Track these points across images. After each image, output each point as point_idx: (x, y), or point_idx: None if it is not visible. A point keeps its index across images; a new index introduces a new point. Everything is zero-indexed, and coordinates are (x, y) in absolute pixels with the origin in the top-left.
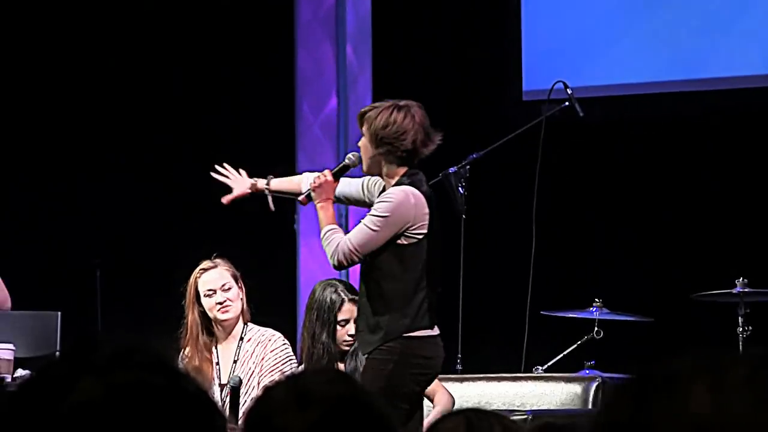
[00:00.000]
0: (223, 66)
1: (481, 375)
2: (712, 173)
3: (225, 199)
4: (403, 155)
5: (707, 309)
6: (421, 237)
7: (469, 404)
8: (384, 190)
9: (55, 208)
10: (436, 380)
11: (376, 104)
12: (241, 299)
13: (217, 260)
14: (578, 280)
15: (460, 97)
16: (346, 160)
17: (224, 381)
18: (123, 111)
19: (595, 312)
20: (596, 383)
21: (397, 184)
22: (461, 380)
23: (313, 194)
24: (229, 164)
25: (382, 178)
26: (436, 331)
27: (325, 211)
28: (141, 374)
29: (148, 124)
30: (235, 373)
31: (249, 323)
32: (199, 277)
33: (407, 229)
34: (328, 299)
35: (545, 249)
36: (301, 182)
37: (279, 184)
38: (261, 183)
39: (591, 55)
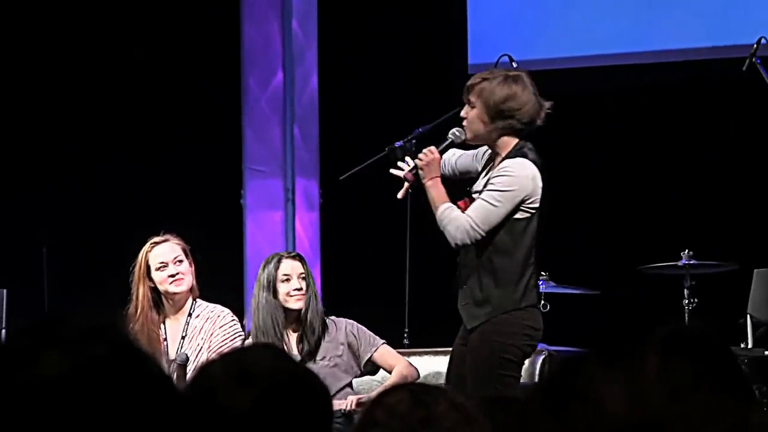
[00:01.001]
0: (169, 42)
1: (429, 349)
2: (657, 146)
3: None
4: (521, 127)
5: (653, 281)
6: (534, 211)
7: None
8: (491, 160)
9: (1, 187)
10: (396, 353)
11: (485, 75)
12: (191, 273)
13: (167, 235)
14: None
15: (405, 72)
16: (452, 137)
17: (172, 357)
18: (70, 92)
19: (542, 285)
20: (543, 356)
21: (510, 155)
22: (408, 355)
23: (420, 172)
24: (178, 141)
25: (492, 148)
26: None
27: (435, 188)
28: (107, 352)
29: (95, 103)
30: (183, 350)
31: (198, 299)
32: (150, 251)
33: (523, 202)
34: (270, 263)
35: None
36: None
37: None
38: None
39: (536, 29)
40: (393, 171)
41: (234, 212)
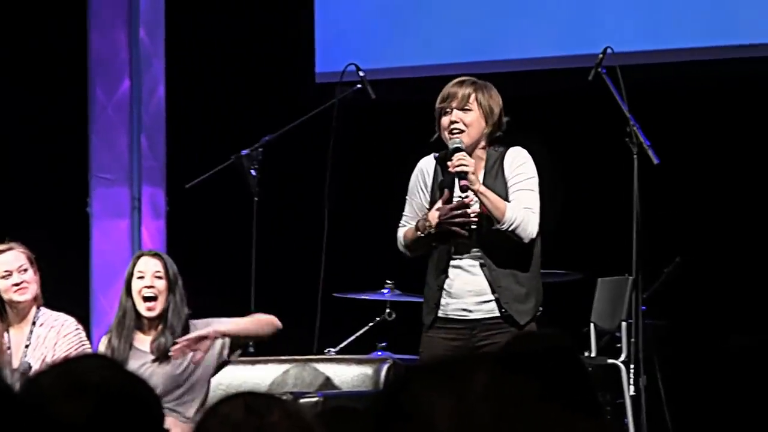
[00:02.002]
0: (15, 48)
1: (273, 357)
2: None
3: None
4: (501, 132)
5: None
6: None
7: (263, 388)
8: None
9: None
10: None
11: (467, 80)
12: (36, 282)
13: (12, 243)
14: (370, 262)
15: (253, 80)
16: (460, 144)
17: (15, 366)
18: None
19: (387, 294)
20: (388, 365)
21: (500, 147)
22: (253, 363)
23: (470, 178)
24: (23, 149)
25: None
26: None
27: (490, 191)
28: None
29: None
30: (26, 359)
31: (42, 308)
32: None
33: None
34: (132, 261)
35: (338, 231)
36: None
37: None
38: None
39: (384, 38)
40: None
41: (80, 220)
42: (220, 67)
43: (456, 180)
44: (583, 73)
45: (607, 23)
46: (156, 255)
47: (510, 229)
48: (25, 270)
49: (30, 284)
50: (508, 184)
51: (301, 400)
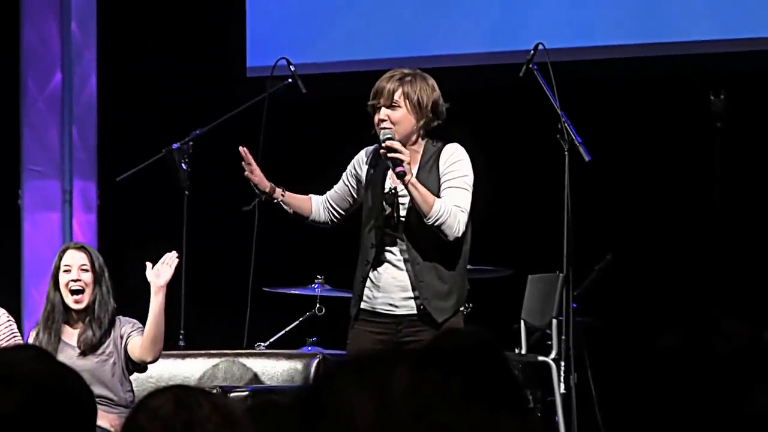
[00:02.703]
0: None
1: (203, 351)
2: None
3: (253, 177)
4: (440, 121)
5: None
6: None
7: (193, 381)
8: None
9: None
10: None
11: (396, 74)
12: None
13: None
14: (300, 256)
15: (184, 74)
16: (389, 135)
17: None
18: None
19: (317, 288)
20: (317, 360)
21: (437, 143)
22: (183, 356)
23: (406, 167)
24: None
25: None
26: None
27: (420, 185)
28: None
29: None
30: None
31: None
32: None
33: None
34: (58, 255)
35: (268, 225)
36: (310, 200)
37: (290, 198)
38: (278, 191)
39: (314, 32)
40: (242, 150)
41: (11, 212)
42: (152, 60)
43: (390, 168)
44: (515, 69)
45: (539, 19)
46: (82, 248)
47: (435, 224)
48: None
49: None
50: (441, 181)
51: (231, 395)
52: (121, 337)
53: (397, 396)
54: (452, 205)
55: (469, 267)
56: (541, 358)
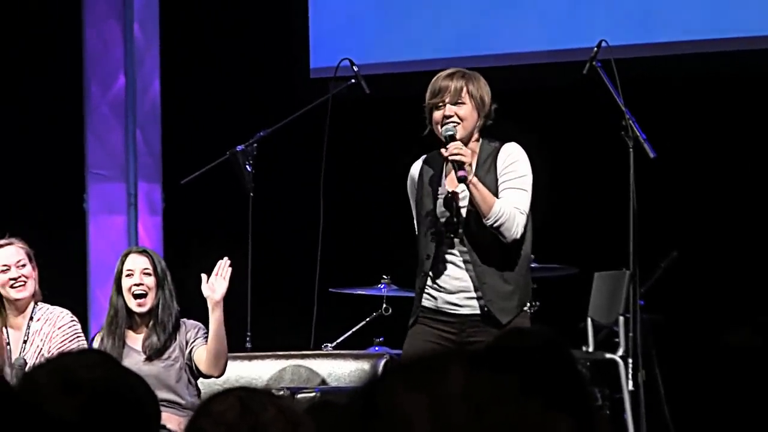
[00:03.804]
0: (10, 44)
1: (270, 353)
2: None
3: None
4: (491, 121)
5: None
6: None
7: (260, 383)
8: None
9: None
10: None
11: (456, 72)
12: (34, 278)
13: (12, 238)
14: (366, 257)
15: (248, 75)
16: (453, 131)
17: (13, 362)
18: None
19: (384, 289)
20: (384, 360)
21: (494, 142)
22: (250, 358)
23: (468, 168)
24: (19, 146)
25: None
26: None
27: (480, 185)
28: None
29: None
30: (24, 353)
31: (39, 303)
32: None
33: None
34: (120, 259)
35: (333, 226)
36: None
37: None
38: None
39: (377, 33)
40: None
41: (77, 216)
42: (215, 62)
43: (452, 169)
44: (578, 66)
45: (602, 16)
46: (143, 252)
47: (495, 225)
48: (24, 265)
49: (28, 280)
50: (499, 181)
51: (298, 396)
52: (187, 342)
53: (452, 396)
54: (511, 206)
55: (535, 265)
56: (608, 355)
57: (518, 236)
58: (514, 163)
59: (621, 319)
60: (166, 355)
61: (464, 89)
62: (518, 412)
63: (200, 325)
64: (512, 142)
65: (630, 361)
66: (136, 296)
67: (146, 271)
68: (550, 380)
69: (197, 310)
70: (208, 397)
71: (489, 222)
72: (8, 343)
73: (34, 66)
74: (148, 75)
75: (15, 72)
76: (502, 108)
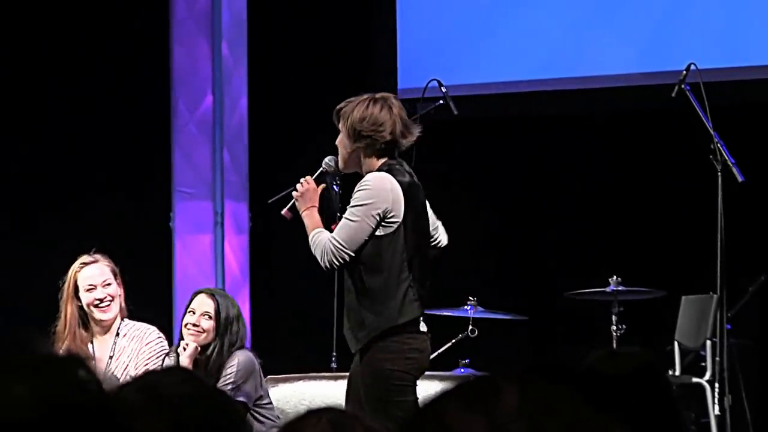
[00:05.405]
0: (99, 64)
1: None
2: (585, 171)
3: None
4: (382, 147)
5: (581, 307)
6: (396, 225)
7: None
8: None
9: None
10: None
11: (351, 99)
12: (120, 295)
13: (97, 255)
14: (452, 278)
15: (335, 96)
16: (324, 166)
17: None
18: None
19: (470, 310)
20: None
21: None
22: (336, 378)
23: (297, 203)
24: (107, 164)
25: (360, 173)
26: (422, 326)
27: (310, 217)
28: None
29: (26, 125)
30: (110, 369)
31: (125, 319)
32: (79, 271)
33: (385, 216)
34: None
35: None
36: None
37: None
38: None
39: (465, 54)
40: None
41: (163, 235)
42: (302, 81)
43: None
44: (667, 89)
45: (691, 39)
46: (212, 295)
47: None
48: (109, 284)
49: (113, 300)
50: None
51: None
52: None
53: (507, 414)
54: (327, 237)
55: (622, 288)
56: (695, 379)
57: (330, 266)
58: (356, 192)
59: (708, 343)
60: None
61: (337, 115)
62: (574, 421)
63: (233, 372)
64: (376, 173)
65: (716, 385)
66: (189, 335)
67: (207, 313)
68: (644, 404)
69: (280, 319)
70: (296, 419)
71: None
72: (94, 358)
73: (121, 85)
74: (236, 93)
75: (103, 90)
76: (592, 129)
